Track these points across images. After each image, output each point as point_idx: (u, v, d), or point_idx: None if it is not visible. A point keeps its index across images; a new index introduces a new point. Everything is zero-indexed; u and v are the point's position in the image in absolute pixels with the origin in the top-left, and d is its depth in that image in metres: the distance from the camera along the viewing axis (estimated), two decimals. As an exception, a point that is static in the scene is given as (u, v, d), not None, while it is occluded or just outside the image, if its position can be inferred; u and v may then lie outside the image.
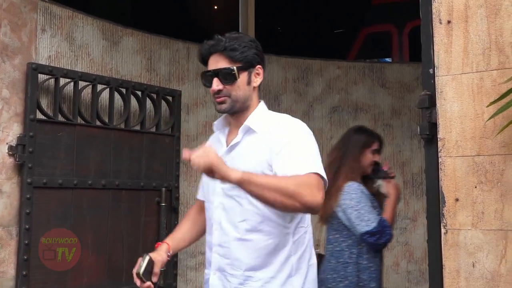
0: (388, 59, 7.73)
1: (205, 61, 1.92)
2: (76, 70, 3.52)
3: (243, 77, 1.87)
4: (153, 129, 3.87)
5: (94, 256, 3.43)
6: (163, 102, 3.96)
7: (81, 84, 3.48)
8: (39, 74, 3.24)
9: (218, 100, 1.87)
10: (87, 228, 3.41)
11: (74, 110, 3.43)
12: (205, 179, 2.01)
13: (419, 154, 5.14)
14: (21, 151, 3.13)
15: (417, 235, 5.07)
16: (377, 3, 7.38)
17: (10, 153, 3.12)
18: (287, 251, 1.86)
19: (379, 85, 5.24)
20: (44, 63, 3.34)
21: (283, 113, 1.99)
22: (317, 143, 1.88)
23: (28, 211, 3.13)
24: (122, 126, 3.68)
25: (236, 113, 1.91)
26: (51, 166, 3.27)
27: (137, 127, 3.77)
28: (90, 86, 3.53)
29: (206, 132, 4.54)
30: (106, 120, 3.59)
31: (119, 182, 3.57)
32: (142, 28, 4.18)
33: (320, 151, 1.88)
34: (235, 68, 1.84)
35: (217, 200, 1.91)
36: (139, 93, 3.80)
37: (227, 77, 1.84)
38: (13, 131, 3.16)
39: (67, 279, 3.29)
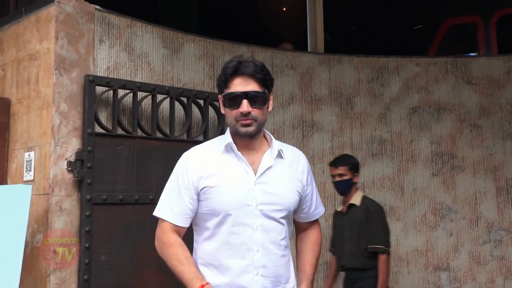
0: (473, 54, 7.11)
1: (227, 80, 1.90)
2: (136, 80, 3.40)
3: (267, 101, 1.93)
4: (217, 139, 3.66)
5: (158, 275, 3.26)
6: (226, 110, 3.76)
7: (140, 94, 3.34)
8: (96, 86, 3.14)
9: (245, 122, 1.87)
10: (150, 246, 3.24)
11: (134, 122, 3.30)
12: (216, 202, 1.93)
13: (514, 157, 4.62)
14: (79, 166, 3.04)
15: (515, 249, 4.54)
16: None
17: (69, 169, 3.03)
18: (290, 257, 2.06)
19: (464, 82, 4.76)
20: (102, 75, 3.24)
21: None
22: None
23: (88, 229, 3.02)
24: (184, 137, 3.51)
25: (253, 136, 1.93)
26: (111, 181, 3.15)
27: (200, 138, 3.59)
28: (150, 97, 3.39)
29: (274, 140, 4.30)
30: (167, 132, 3.44)
31: (182, 196, 3.40)
32: (208, 34, 4.02)
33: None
34: (266, 92, 1.90)
35: (256, 223, 1.90)
36: (201, 101, 3.62)
37: (258, 100, 1.87)
38: (72, 146, 3.07)
39: (130, 298, 3.15)
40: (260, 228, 1.89)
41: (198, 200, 1.95)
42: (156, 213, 2.05)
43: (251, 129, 1.87)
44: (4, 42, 3.44)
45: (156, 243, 2.04)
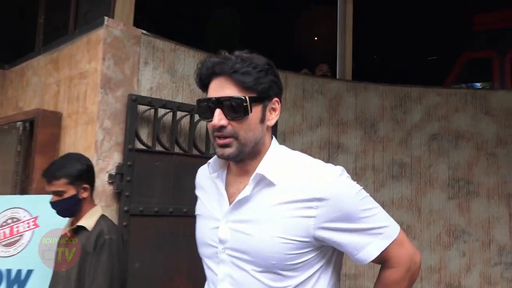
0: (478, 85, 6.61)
1: (204, 85, 1.20)
2: (177, 100, 3.13)
3: (256, 112, 1.16)
4: (249, 158, 3.36)
5: (189, 284, 2.98)
6: (259, 131, 3.45)
7: (179, 114, 3.08)
8: (138, 105, 2.88)
9: (221, 142, 1.15)
10: (182, 255, 2.98)
11: (172, 140, 3.03)
12: (199, 226, 1.30)
13: (528, 187, 4.16)
14: (119, 179, 2.78)
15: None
16: (478, 29, 6.32)
17: (110, 181, 2.78)
18: None
19: (483, 113, 4.33)
20: (146, 95, 2.98)
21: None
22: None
23: (125, 238, 2.75)
24: (218, 154, 3.22)
25: (242, 160, 1.20)
26: (148, 194, 2.88)
27: (233, 156, 3.29)
28: (188, 116, 3.12)
29: (301, 159, 3.97)
30: (203, 149, 3.16)
31: (213, 210, 3.10)
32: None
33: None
34: (247, 98, 1.14)
35: (222, 271, 1.19)
36: (235, 122, 3.33)
37: (236, 109, 1.14)
38: (113, 160, 2.81)
39: (161, 305, 2.87)
40: (227, 279, 1.18)
41: None
42: None
43: (228, 150, 1.15)
44: (59, 60, 3.23)
45: None
